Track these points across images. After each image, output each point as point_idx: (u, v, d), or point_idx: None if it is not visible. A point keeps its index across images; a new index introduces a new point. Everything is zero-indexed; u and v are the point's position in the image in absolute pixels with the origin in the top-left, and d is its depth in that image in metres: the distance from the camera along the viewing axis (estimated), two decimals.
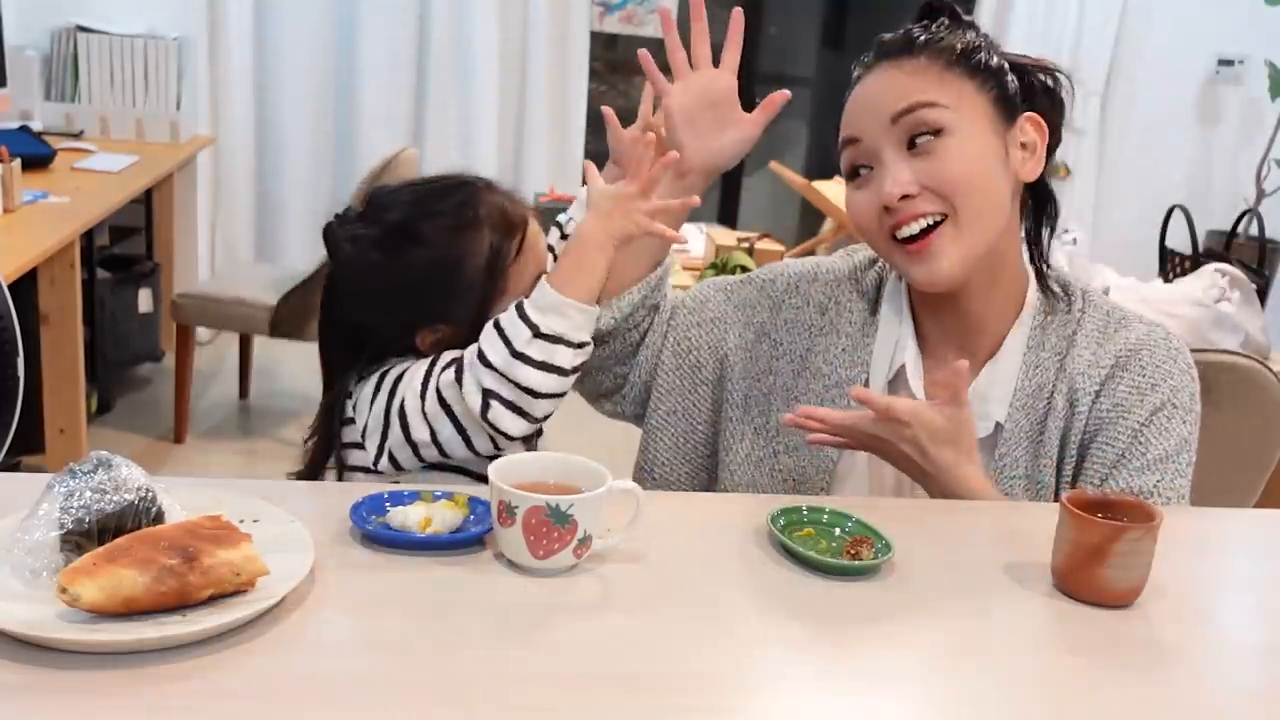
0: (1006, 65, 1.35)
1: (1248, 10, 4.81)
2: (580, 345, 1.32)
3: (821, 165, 5.53)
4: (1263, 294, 3.62)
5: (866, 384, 1.42)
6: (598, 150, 5.13)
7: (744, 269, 2.78)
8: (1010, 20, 4.89)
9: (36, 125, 3.95)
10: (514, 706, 0.87)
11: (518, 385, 1.28)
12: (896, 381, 1.42)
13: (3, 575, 0.94)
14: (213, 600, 0.92)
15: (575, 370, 1.32)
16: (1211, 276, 2.80)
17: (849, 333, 1.43)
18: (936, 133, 1.29)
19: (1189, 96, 5.13)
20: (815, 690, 0.93)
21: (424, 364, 1.36)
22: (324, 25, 4.58)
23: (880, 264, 1.48)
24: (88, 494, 0.97)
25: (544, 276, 1.34)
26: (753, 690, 0.92)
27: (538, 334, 1.29)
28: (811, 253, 3.40)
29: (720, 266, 2.83)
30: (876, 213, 1.32)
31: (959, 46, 1.32)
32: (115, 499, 0.97)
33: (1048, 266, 1.42)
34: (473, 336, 1.34)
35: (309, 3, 4.55)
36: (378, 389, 1.37)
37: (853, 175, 1.36)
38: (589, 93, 4.90)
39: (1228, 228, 4.45)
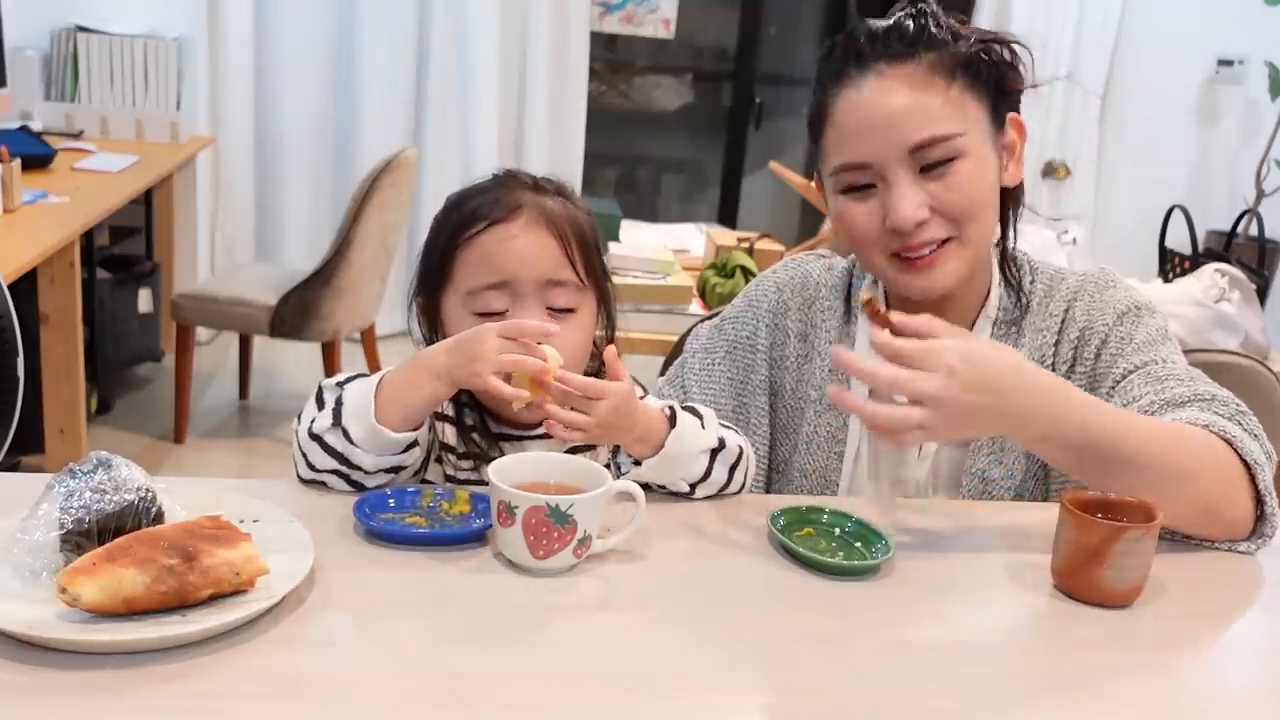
0: (989, 56, 1.30)
1: (1248, 10, 4.81)
2: (370, 470, 1.19)
3: None
4: (1263, 294, 3.62)
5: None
6: (597, 150, 5.14)
7: (744, 269, 2.78)
8: (1010, 20, 4.89)
9: (36, 125, 3.95)
10: (513, 706, 0.87)
11: (304, 455, 1.20)
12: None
13: (3, 575, 0.94)
14: (213, 600, 0.92)
15: (372, 473, 1.19)
16: (1211, 276, 2.80)
17: (827, 352, 1.44)
18: (950, 159, 1.28)
19: (1189, 96, 5.14)
20: (815, 690, 0.93)
21: None
22: (324, 25, 4.58)
23: (850, 271, 1.48)
24: (88, 494, 0.97)
25: (381, 378, 1.19)
26: (753, 690, 0.92)
27: (339, 425, 1.17)
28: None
29: (720, 267, 2.83)
30: (878, 229, 1.30)
31: (961, 51, 1.28)
32: (115, 499, 0.97)
33: (1014, 251, 1.43)
34: (429, 312, 1.32)
35: (309, 3, 4.55)
36: None
37: (848, 188, 1.32)
38: (589, 93, 4.90)
39: (1228, 228, 4.45)
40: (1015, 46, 1.33)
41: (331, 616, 0.96)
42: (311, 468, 1.19)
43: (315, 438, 1.18)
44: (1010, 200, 1.39)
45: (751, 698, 0.92)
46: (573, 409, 1.16)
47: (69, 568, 0.90)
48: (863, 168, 1.29)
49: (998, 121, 1.32)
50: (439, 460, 1.31)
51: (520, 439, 1.31)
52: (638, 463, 1.23)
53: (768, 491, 1.47)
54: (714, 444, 1.26)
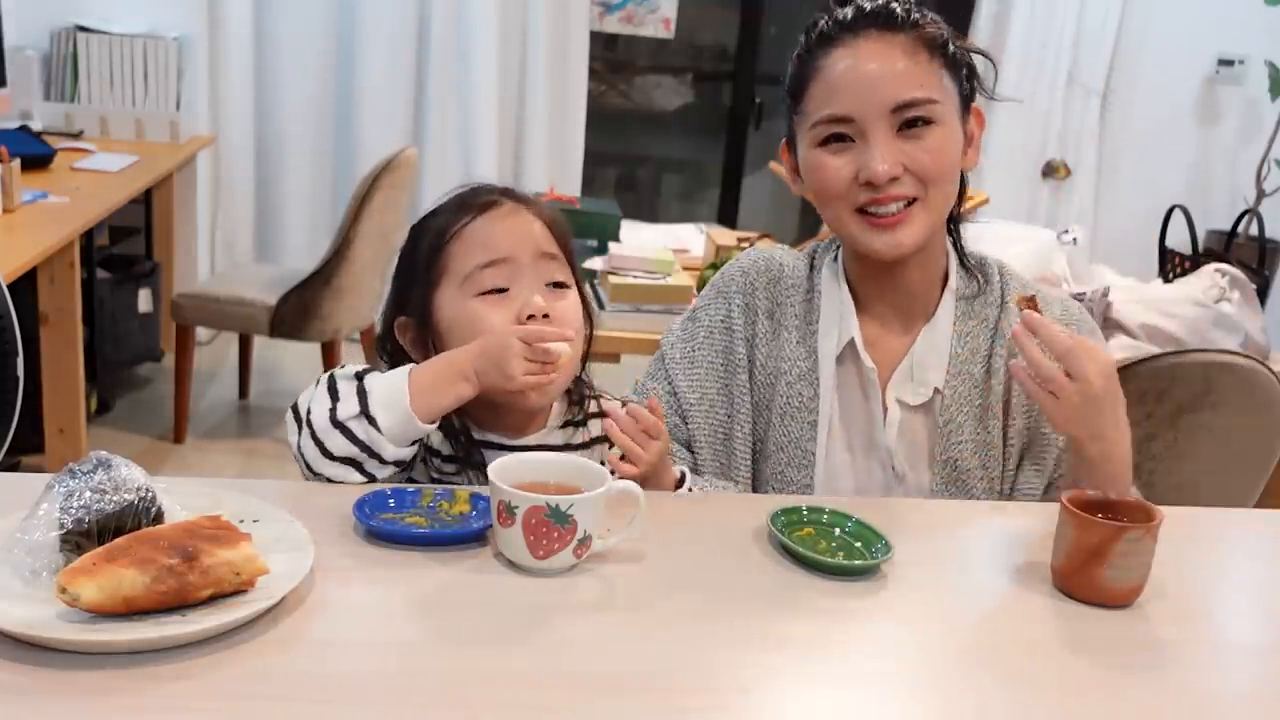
0: (961, 47, 1.41)
1: (1248, 10, 4.81)
2: (388, 460, 1.21)
3: None
4: (1263, 294, 3.62)
5: (817, 365, 1.46)
6: (597, 150, 5.14)
7: None
8: (1010, 20, 4.88)
9: (36, 125, 3.95)
10: (514, 706, 0.87)
11: (320, 443, 1.20)
12: (845, 355, 1.46)
13: (3, 575, 0.94)
14: (213, 600, 0.92)
15: (385, 464, 1.22)
16: (1211, 276, 2.79)
17: (795, 325, 1.49)
18: (927, 122, 1.36)
19: (1189, 96, 5.13)
20: (815, 690, 0.93)
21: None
22: (324, 25, 4.58)
23: (812, 251, 1.54)
24: (88, 494, 0.97)
25: (410, 370, 1.23)
26: (753, 690, 0.92)
27: (366, 415, 1.20)
28: None
29: (720, 267, 2.82)
30: (848, 182, 1.37)
31: (941, 36, 1.38)
32: (115, 499, 0.97)
33: (963, 245, 1.51)
34: (422, 330, 1.33)
35: (309, 3, 4.55)
36: None
37: (825, 140, 1.38)
38: (589, 93, 4.90)
39: (1228, 228, 4.45)
40: (979, 55, 1.44)
41: (331, 616, 0.96)
42: (328, 456, 1.20)
43: (339, 425, 1.19)
44: (961, 184, 1.47)
45: (751, 698, 0.91)
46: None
47: (69, 568, 0.90)
48: (845, 120, 1.36)
49: (964, 107, 1.41)
50: (424, 462, 1.32)
51: (502, 448, 1.32)
52: None
53: (754, 470, 1.48)
54: None
